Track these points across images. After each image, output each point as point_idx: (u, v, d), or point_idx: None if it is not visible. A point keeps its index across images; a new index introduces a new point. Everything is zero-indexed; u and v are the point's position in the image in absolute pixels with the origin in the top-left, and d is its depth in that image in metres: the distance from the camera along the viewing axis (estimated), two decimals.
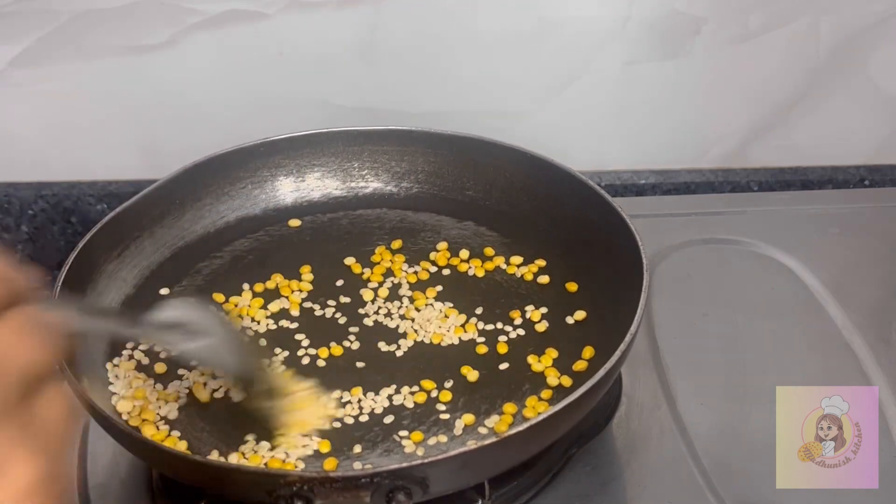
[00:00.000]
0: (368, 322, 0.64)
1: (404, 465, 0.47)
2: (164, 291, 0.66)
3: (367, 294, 0.66)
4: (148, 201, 0.67)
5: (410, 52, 0.80)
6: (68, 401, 0.29)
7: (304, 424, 0.55)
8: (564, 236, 0.69)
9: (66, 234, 0.85)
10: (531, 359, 0.60)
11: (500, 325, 0.63)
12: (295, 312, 0.65)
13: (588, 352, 0.61)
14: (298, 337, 0.63)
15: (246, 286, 0.67)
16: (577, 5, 0.79)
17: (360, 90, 0.81)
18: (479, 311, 0.64)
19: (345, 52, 0.80)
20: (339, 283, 0.67)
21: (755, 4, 0.80)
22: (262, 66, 0.80)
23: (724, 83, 0.84)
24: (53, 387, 0.28)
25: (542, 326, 0.63)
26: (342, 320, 0.64)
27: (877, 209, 0.82)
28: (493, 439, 0.48)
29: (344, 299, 0.66)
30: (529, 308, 0.64)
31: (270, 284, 0.67)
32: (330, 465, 0.53)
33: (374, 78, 0.81)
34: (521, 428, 0.49)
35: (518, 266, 0.68)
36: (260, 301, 0.65)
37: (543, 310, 0.64)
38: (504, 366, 0.60)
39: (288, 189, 0.74)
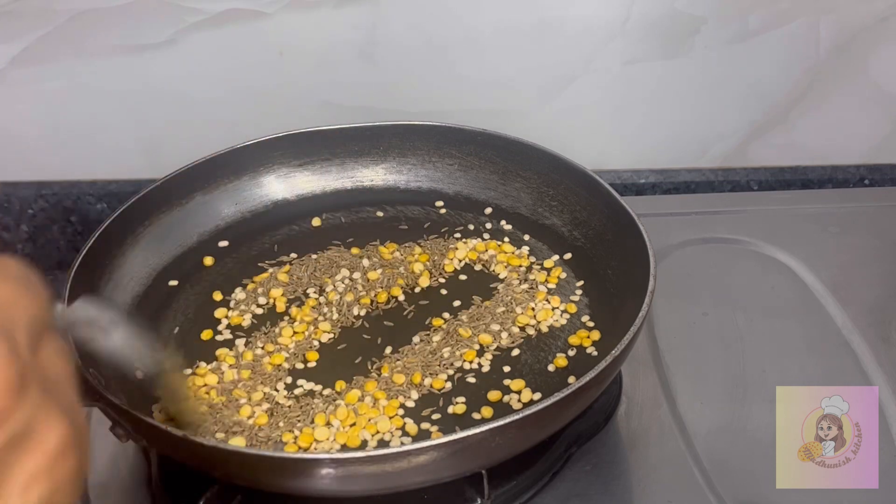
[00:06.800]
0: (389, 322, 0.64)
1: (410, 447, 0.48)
2: (173, 283, 0.67)
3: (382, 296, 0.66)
4: (148, 201, 0.67)
5: (410, 52, 0.80)
6: (69, 353, 0.28)
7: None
8: (571, 233, 0.69)
9: (66, 233, 0.85)
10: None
11: (503, 322, 0.63)
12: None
13: (591, 349, 0.61)
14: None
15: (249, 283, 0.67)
16: (577, 5, 0.79)
17: (360, 90, 0.81)
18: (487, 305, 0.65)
19: (345, 51, 0.80)
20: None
21: (755, 4, 0.80)
22: (262, 66, 0.80)
23: (723, 83, 0.84)
24: (54, 341, 0.27)
25: (545, 325, 0.63)
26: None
27: (877, 209, 0.82)
28: (488, 426, 0.48)
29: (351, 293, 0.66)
30: (538, 306, 0.65)
31: (283, 277, 0.67)
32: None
33: (374, 77, 0.81)
34: (515, 417, 0.49)
35: (530, 263, 0.68)
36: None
37: (549, 307, 0.64)
38: (504, 359, 0.61)
39: (287, 187, 0.74)
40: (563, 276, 0.67)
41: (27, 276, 0.27)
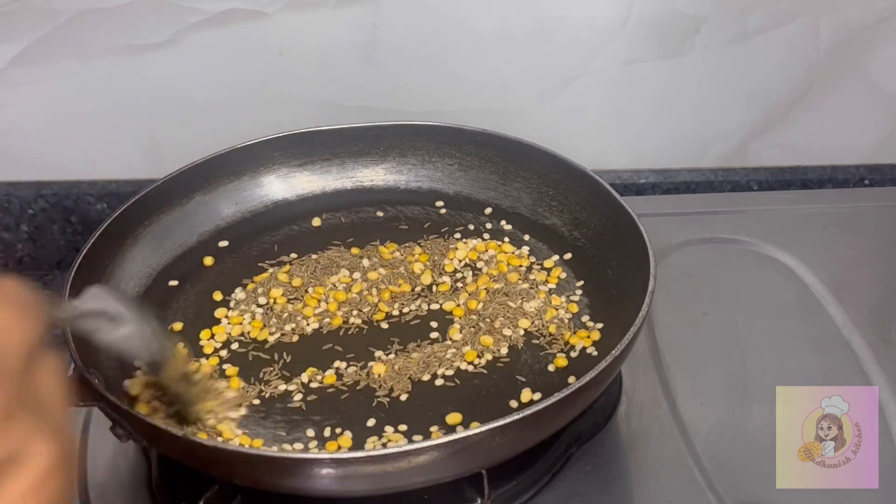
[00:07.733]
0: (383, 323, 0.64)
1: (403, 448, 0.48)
2: (173, 283, 0.67)
3: (370, 297, 0.66)
4: (148, 201, 0.67)
5: (410, 52, 0.80)
6: (64, 375, 0.27)
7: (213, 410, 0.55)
8: (571, 233, 0.69)
9: (66, 233, 0.85)
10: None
11: (505, 322, 0.63)
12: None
13: (591, 349, 0.61)
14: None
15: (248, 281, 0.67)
16: (577, 5, 0.79)
17: (360, 90, 0.81)
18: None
19: (345, 51, 0.80)
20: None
21: (755, 4, 0.80)
22: (262, 66, 0.80)
23: (723, 83, 0.84)
24: (49, 361, 0.27)
25: (545, 325, 0.63)
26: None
27: (877, 209, 0.82)
28: (488, 426, 0.48)
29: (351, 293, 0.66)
30: (538, 306, 0.64)
31: (283, 277, 0.67)
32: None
33: (374, 77, 0.81)
34: (515, 417, 0.49)
35: (530, 263, 0.68)
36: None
37: (550, 307, 0.64)
38: (505, 361, 0.61)
39: (287, 187, 0.74)
40: (563, 276, 0.67)
41: (24, 297, 0.27)
